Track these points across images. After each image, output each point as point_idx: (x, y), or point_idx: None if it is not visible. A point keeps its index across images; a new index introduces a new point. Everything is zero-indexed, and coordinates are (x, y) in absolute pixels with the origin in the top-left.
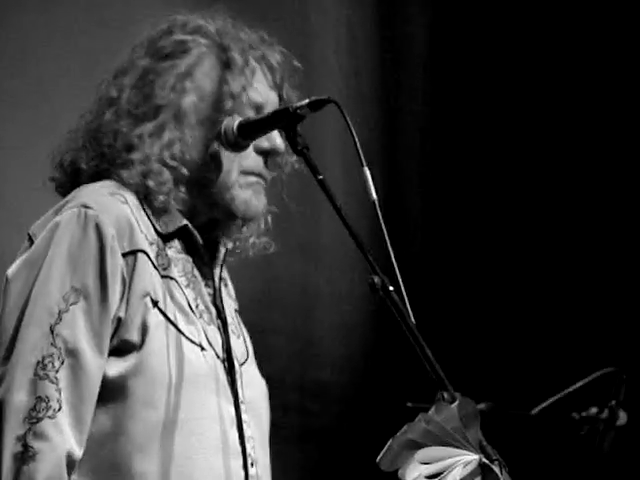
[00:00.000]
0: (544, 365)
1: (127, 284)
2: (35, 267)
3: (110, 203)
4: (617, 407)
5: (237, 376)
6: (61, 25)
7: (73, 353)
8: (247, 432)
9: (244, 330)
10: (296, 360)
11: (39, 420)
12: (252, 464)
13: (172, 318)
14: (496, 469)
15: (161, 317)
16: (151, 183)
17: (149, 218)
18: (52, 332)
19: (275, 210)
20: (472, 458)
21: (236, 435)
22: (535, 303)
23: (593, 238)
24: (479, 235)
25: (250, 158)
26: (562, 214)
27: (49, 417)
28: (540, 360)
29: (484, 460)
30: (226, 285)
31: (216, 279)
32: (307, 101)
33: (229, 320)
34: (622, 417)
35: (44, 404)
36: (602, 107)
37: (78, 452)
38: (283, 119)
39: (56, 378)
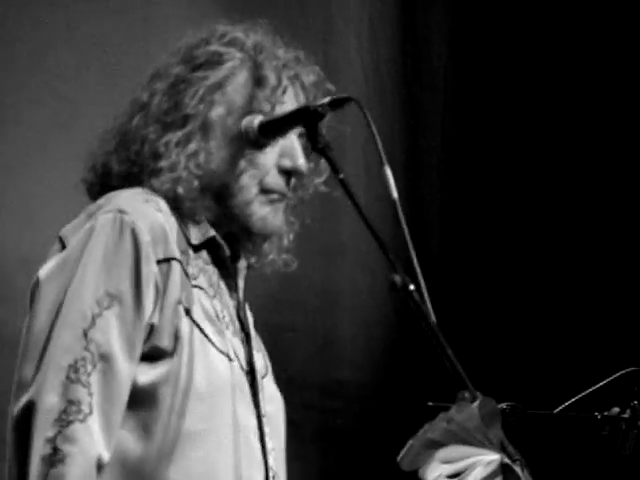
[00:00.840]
0: (566, 365)
1: (161, 291)
2: (69, 270)
3: (146, 210)
4: (639, 407)
5: (259, 389)
6: (81, 21)
7: (106, 358)
8: (269, 444)
9: (262, 344)
10: (316, 359)
11: (70, 423)
12: (274, 477)
13: (203, 327)
14: (517, 469)
15: (193, 326)
16: (180, 190)
17: (180, 227)
18: (85, 336)
19: (298, 229)
20: (493, 458)
21: (259, 447)
22: (557, 302)
23: (615, 235)
24: (499, 234)
25: (271, 175)
26: (584, 212)
27: (80, 420)
28: (562, 360)
29: (505, 460)
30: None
31: (240, 292)
32: (328, 99)
33: (252, 334)
34: None
35: (75, 407)
36: (623, 109)
37: (107, 456)
38: (304, 118)
39: (88, 382)
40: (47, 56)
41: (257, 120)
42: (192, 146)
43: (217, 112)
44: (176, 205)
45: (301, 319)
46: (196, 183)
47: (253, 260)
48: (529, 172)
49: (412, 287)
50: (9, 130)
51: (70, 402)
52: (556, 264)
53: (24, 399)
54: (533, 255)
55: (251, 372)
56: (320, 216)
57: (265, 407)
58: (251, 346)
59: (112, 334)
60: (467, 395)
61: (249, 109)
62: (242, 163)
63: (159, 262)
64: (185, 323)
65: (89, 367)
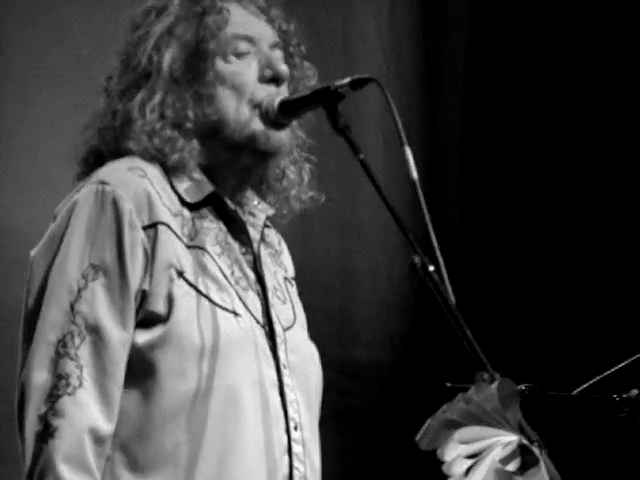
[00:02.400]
0: (585, 346)
1: (149, 257)
2: (54, 246)
3: (128, 178)
4: None
5: (279, 340)
6: (100, 2)
7: (94, 329)
8: (290, 396)
9: (294, 296)
10: (334, 340)
11: (59, 398)
12: (295, 427)
13: (200, 287)
14: (535, 450)
15: (188, 287)
16: (157, 141)
17: (174, 190)
18: (72, 310)
19: (314, 159)
20: (511, 439)
21: (278, 399)
22: (576, 283)
23: (635, 220)
24: (520, 215)
25: (260, 89)
26: (604, 195)
27: (68, 394)
28: (581, 341)
29: (523, 441)
30: (278, 252)
31: (254, 245)
32: (348, 80)
33: (270, 286)
34: None
35: (64, 381)
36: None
37: (106, 426)
38: (324, 98)
39: (76, 355)
40: (65, 37)
41: (277, 100)
42: (157, 97)
43: (172, 55)
44: (164, 163)
45: (319, 300)
46: (171, 132)
47: (274, 210)
48: (549, 152)
49: (431, 268)
50: (26, 110)
51: (59, 377)
52: (576, 244)
53: (21, 379)
54: (553, 235)
55: (269, 324)
56: (339, 196)
57: (289, 358)
58: (267, 298)
59: (99, 305)
60: (486, 376)
61: (202, 39)
62: (222, 91)
63: (145, 228)
64: (178, 285)
65: (77, 340)
